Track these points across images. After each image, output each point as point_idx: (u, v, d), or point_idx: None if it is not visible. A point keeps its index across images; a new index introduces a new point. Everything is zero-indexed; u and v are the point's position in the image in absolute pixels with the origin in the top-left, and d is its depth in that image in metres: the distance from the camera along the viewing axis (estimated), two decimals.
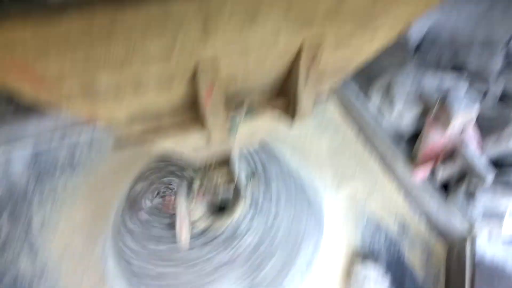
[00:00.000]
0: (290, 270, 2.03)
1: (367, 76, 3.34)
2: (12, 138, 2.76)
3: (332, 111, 3.16)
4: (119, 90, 0.79)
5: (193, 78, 0.83)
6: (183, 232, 1.74)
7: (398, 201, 2.56)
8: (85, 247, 2.24)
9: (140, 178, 2.19)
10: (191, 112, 1.02)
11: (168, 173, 1.99)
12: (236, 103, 0.97)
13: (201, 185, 1.77)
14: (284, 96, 1.05)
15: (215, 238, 1.84)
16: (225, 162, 1.77)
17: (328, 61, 0.99)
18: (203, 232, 1.86)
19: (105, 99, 0.81)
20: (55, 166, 2.67)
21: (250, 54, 0.83)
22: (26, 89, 0.67)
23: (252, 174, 1.87)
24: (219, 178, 1.77)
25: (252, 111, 0.96)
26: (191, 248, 1.79)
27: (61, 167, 2.67)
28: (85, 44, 0.62)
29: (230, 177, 1.78)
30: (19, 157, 2.72)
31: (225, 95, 0.91)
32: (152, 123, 1.00)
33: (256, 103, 1.00)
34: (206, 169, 1.75)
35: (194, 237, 1.81)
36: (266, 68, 0.93)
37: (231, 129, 0.97)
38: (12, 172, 2.63)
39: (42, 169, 2.65)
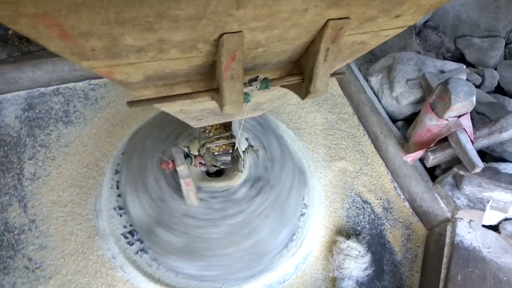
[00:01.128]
0: (275, 241, 2.09)
1: (368, 56, 3.34)
2: (5, 87, 2.71)
3: (332, 84, 3.17)
4: (141, 53, 0.78)
5: (215, 48, 0.83)
6: (191, 195, 1.76)
7: (385, 181, 2.63)
8: (77, 201, 2.26)
9: (137, 138, 2.19)
10: (206, 79, 1.02)
11: (167, 136, 1.99)
12: (252, 75, 0.98)
13: (199, 153, 1.78)
14: (299, 72, 1.05)
15: (209, 201, 1.87)
16: (225, 131, 1.79)
17: (346, 42, 1.00)
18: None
19: (126, 60, 0.80)
20: (49, 118, 2.63)
21: (274, 29, 0.82)
22: (52, 42, 0.66)
23: (251, 146, 1.88)
24: (218, 147, 1.78)
25: (266, 84, 0.96)
26: (183, 210, 1.82)
27: (56, 118, 2.64)
28: (119, 5, 0.61)
29: (229, 147, 1.80)
30: (13, 107, 2.67)
31: (244, 66, 0.91)
32: (166, 86, 1.00)
33: (271, 76, 1.01)
34: (206, 138, 1.76)
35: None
36: (287, 44, 0.93)
37: (244, 99, 0.98)
38: (5, 121, 2.59)
39: (35, 120, 2.62)
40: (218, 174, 2.07)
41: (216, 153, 1.80)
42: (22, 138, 2.53)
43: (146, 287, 1.98)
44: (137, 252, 2.01)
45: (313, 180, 2.51)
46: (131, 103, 0.96)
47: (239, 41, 0.81)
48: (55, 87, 2.81)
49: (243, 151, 1.81)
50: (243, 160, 1.81)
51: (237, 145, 1.76)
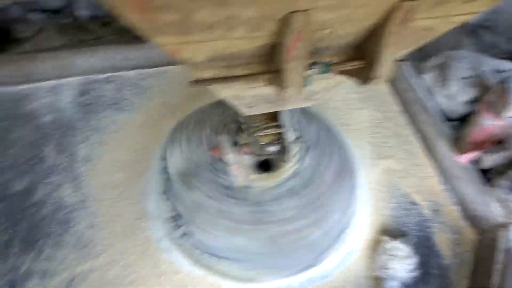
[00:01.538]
0: (318, 236, 2.06)
1: (418, 53, 3.24)
2: (62, 72, 2.84)
3: (378, 84, 3.08)
4: (210, 31, 0.79)
5: (281, 28, 0.82)
6: (240, 174, 1.77)
7: (434, 182, 2.54)
8: (126, 184, 2.34)
9: (186, 124, 2.23)
10: (264, 63, 1.02)
11: (215, 123, 2.01)
12: (313, 59, 0.96)
13: (246, 142, 1.79)
14: (361, 57, 1.03)
15: (254, 194, 1.87)
16: (273, 121, 1.78)
17: (414, 27, 0.96)
18: (244, 187, 1.89)
19: (195, 38, 0.81)
20: (102, 103, 2.75)
21: (343, 8, 0.81)
22: (128, 14, 0.68)
23: (299, 138, 1.87)
24: (265, 137, 1.78)
25: (328, 68, 0.95)
26: (231, 198, 1.84)
27: (107, 105, 2.75)
28: None
29: (277, 138, 1.79)
30: (67, 92, 2.81)
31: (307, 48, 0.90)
32: (226, 67, 1.01)
33: (332, 61, 0.99)
34: (254, 126, 1.76)
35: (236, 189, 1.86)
36: (353, 26, 0.91)
37: (305, 84, 0.97)
38: (61, 105, 2.73)
39: (89, 105, 2.74)
40: (267, 165, 2.05)
41: (263, 143, 1.80)
42: (75, 122, 2.65)
43: (190, 270, 2.03)
44: (182, 236, 2.05)
45: (359, 177, 2.45)
46: (194, 83, 0.97)
47: (307, 20, 0.80)
48: (107, 75, 2.92)
49: (291, 142, 1.80)
50: (290, 151, 1.80)
51: (285, 135, 1.75)
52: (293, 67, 0.90)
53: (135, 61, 2.91)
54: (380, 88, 3.09)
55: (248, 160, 1.90)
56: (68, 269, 2.06)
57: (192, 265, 2.04)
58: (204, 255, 1.99)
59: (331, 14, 0.83)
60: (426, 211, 2.40)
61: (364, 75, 1.03)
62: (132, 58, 2.89)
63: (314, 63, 0.94)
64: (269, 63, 1.02)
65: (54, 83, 2.85)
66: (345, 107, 2.93)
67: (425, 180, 2.55)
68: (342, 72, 1.08)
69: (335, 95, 2.94)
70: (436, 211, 2.41)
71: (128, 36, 2.87)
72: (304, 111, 2.18)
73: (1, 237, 2.17)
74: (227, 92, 1.24)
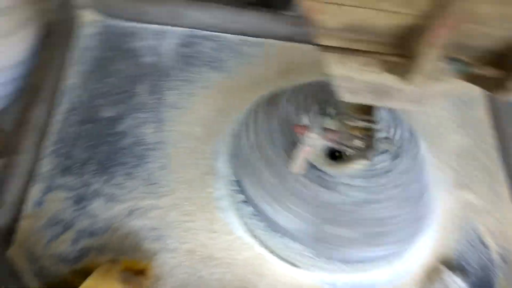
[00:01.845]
0: (379, 249, 2.00)
1: None
2: (171, 20, 2.95)
3: (478, 109, 2.86)
4: None
5: (435, 9, 0.78)
6: (300, 162, 1.76)
7: None
8: (203, 139, 2.42)
9: (279, 95, 2.23)
10: (390, 46, 0.98)
11: (310, 101, 1.99)
12: (451, 54, 0.90)
13: (334, 128, 1.75)
14: (497, 65, 0.95)
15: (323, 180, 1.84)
16: (368, 114, 1.72)
17: None
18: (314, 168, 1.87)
19: (337, 2, 0.79)
20: (200, 59, 2.82)
21: (509, 5, 0.74)
22: None
23: (388, 138, 1.80)
24: (356, 128, 1.73)
25: (466, 68, 0.88)
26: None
27: (204, 61, 2.82)
28: None
29: (367, 132, 1.73)
30: (171, 40, 2.91)
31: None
32: (350, 41, 0.98)
33: (470, 62, 0.92)
34: (347, 114, 1.71)
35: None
36: (504, 29, 0.83)
37: (432, 77, 0.91)
38: (162, 50, 2.85)
39: (187, 57, 2.83)
40: (333, 156, 2.00)
41: (351, 134, 1.75)
42: (171, 69, 2.76)
43: (241, 236, 2.08)
44: (242, 202, 2.08)
45: (432, 200, 2.32)
46: (316, 47, 0.96)
47: (465, 7, 0.74)
48: (212, 33, 2.97)
49: (379, 141, 1.74)
50: (376, 150, 1.74)
51: (376, 133, 1.69)
52: (429, 54, 0.84)
53: (241, 26, 2.93)
54: (479, 114, 2.86)
55: (326, 145, 1.87)
56: (133, 200, 2.18)
57: (245, 232, 2.08)
58: (259, 226, 2.02)
59: (489, 9, 0.77)
60: (495, 256, 2.23)
61: (495, 84, 0.95)
62: (240, 22, 2.92)
63: (452, 58, 0.88)
64: (398, 48, 0.97)
65: (161, 28, 2.97)
66: (436, 124, 2.76)
67: (504, 224, 2.35)
68: (473, 78, 1.00)
69: (431, 111, 2.78)
70: (507, 261, 2.22)
71: (242, 1, 2.90)
72: (397, 115, 2.09)
73: (82, 154, 2.34)
74: (340, 70, 1.20)
